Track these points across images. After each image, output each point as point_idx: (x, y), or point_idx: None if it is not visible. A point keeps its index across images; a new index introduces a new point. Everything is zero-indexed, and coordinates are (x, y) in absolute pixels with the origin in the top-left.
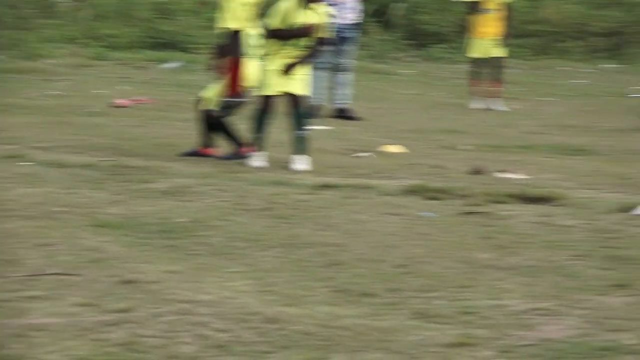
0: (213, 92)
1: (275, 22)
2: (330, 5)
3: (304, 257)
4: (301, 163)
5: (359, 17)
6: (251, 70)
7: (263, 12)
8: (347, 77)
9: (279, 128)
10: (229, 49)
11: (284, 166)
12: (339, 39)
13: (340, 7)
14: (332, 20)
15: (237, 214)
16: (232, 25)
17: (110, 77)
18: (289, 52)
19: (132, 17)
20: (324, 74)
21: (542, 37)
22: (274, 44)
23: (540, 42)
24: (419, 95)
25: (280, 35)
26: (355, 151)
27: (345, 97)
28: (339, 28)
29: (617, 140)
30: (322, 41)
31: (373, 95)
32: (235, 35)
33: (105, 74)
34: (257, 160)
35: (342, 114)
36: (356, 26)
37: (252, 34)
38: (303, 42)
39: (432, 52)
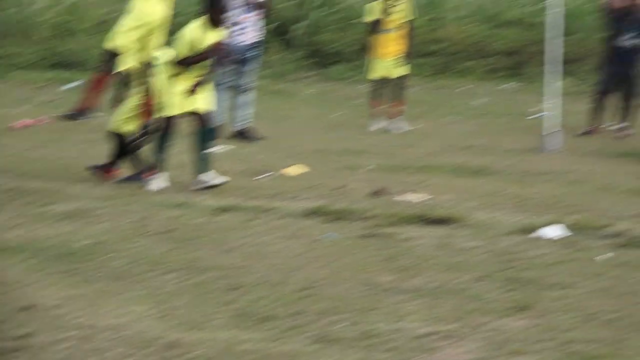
0: (123, 114)
1: (183, 50)
2: (233, 24)
3: (205, 280)
4: (212, 178)
5: (261, 36)
6: (159, 92)
7: (169, 37)
8: (249, 97)
9: (180, 150)
10: (107, 67)
11: (185, 188)
12: (241, 59)
13: (242, 26)
14: (234, 40)
15: (138, 237)
16: (115, 44)
17: (10, 98)
18: (193, 74)
19: (33, 36)
20: (225, 95)
21: (443, 57)
22: (180, 67)
23: (441, 61)
24: (321, 116)
25: (188, 61)
26: (257, 172)
27: (246, 117)
28: (241, 48)
29: (518, 160)
30: (223, 60)
31: (274, 116)
32: (113, 54)
33: (4, 95)
34: (159, 182)
35: (244, 135)
36: (258, 45)
37: (157, 56)
38: (208, 62)
39: (334, 71)
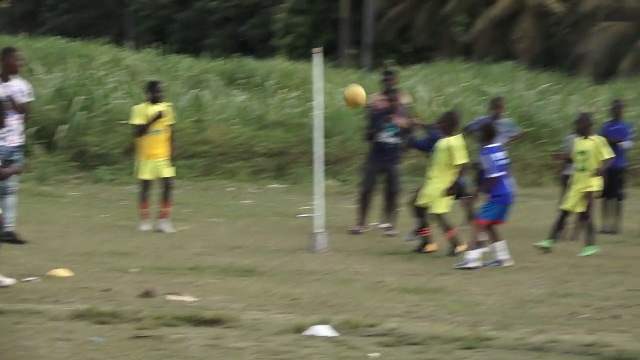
0: None
1: None
2: None
3: None
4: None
5: (22, 139)
6: None
7: None
8: (11, 200)
9: None
10: None
11: None
12: (5, 162)
13: (7, 130)
14: None
15: None
16: None
17: None
18: None
19: None
20: None
21: (209, 158)
22: None
23: (207, 162)
24: (86, 218)
25: None
26: (22, 276)
27: (9, 220)
28: (5, 151)
29: (285, 260)
30: None
31: (38, 218)
32: None
33: None
34: None
35: (7, 238)
36: (20, 148)
37: None
38: None
39: (98, 173)
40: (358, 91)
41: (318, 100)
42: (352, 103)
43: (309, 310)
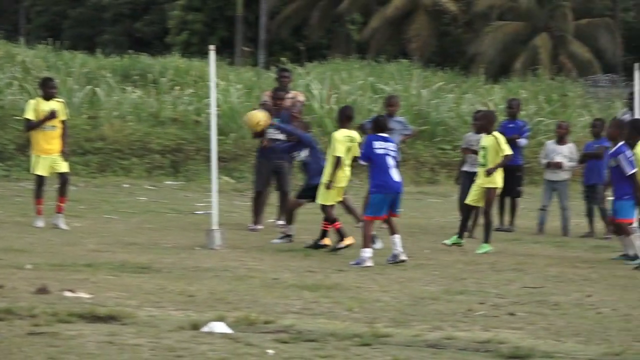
0: None
1: None
2: None
3: None
4: None
5: None
6: None
7: None
8: None
9: None
10: None
11: None
12: None
13: None
14: None
15: None
16: None
17: None
18: None
19: None
20: None
21: (104, 155)
22: None
23: (102, 159)
24: None
25: None
26: None
27: None
28: None
29: (181, 257)
30: None
31: None
32: None
33: None
34: None
35: None
36: None
37: None
38: None
39: None
40: (258, 116)
41: (213, 98)
42: (253, 126)
43: (206, 307)
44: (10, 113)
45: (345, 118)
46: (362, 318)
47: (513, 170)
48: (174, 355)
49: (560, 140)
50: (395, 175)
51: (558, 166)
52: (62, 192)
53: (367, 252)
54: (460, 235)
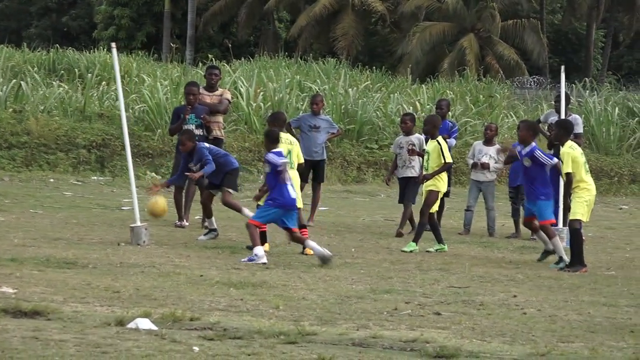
0: None
1: None
2: None
3: None
4: None
5: None
6: None
7: None
8: None
9: None
10: None
11: None
12: None
13: None
14: None
15: None
16: None
17: None
18: None
19: None
20: None
21: (29, 149)
22: None
23: (27, 154)
24: None
25: None
26: None
27: None
28: None
29: (107, 253)
30: None
31: None
32: None
33: None
34: None
35: None
36: None
37: None
38: None
39: None
40: (157, 204)
41: (119, 94)
42: (154, 214)
43: (131, 303)
44: None
45: (281, 122)
46: (288, 316)
47: None
48: (99, 352)
49: (488, 142)
50: (292, 192)
51: (485, 167)
52: None
53: (259, 250)
54: (440, 241)
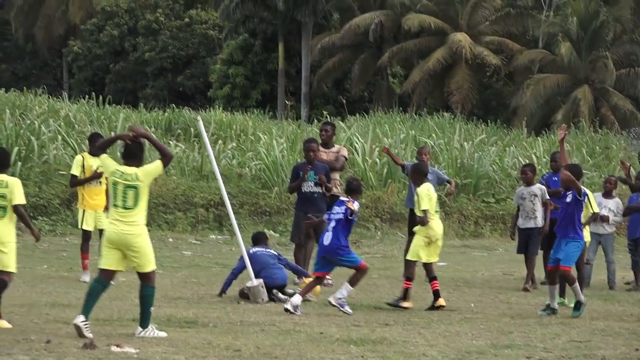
0: None
1: None
2: None
3: None
4: None
5: None
6: None
7: None
8: None
9: None
10: None
11: None
12: None
13: None
14: None
15: None
16: None
17: None
18: None
19: None
20: None
21: (149, 209)
22: None
23: (146, 213)
24: (26, 269)
25: None
26: None
27: None
28: None
29: (226, 311)
30: None
31: None
32: None
33: None
34: None
35: None
36: None
37: None
38: None
39: (37, 224)
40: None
41: (212, 160)
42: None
43: None
44: (54, 168)
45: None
46: None
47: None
48: None
49: (607, 194)
50: (326, 237)
51: (604, 219)
52: None
53: (297, 299)
54: (562, 295)
